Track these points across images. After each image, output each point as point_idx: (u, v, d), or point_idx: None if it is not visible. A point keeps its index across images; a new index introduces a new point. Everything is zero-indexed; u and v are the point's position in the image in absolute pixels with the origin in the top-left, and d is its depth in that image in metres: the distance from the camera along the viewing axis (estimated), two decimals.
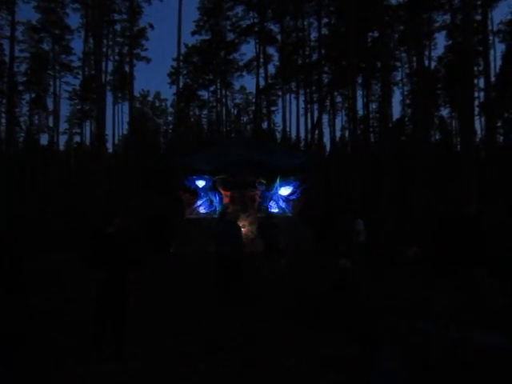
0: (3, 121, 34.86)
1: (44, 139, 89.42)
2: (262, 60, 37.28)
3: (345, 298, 6.12)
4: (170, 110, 58.57)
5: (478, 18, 26.14)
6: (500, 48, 62.44)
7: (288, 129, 45.07)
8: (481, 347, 4.42)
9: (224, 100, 46.21)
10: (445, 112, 43.13)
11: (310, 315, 6.07)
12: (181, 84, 37.42)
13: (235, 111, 55.39)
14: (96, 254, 4.55)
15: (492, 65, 31.89)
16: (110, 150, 47.07)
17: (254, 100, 44.41)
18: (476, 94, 33.17)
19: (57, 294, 7.90)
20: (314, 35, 38.24)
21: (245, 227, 13.63)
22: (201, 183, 16.01)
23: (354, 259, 9.12)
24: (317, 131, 35.14)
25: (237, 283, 7.50)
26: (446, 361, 4.07)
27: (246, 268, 7.95)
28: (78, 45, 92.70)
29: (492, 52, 34.00)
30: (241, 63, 42.52)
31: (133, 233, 10.63)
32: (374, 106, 43.12)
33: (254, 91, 40.19)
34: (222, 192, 15.66)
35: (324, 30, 35.55)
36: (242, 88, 55.73)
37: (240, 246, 7.75)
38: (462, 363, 4.07)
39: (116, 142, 50.83)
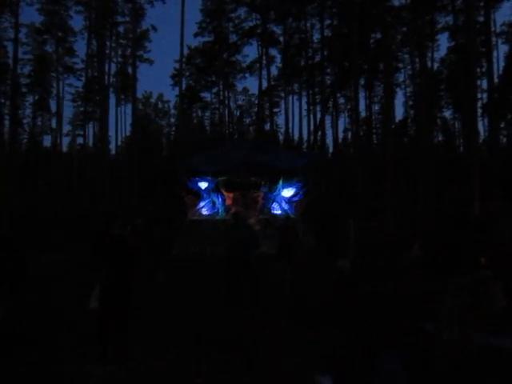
0: (7, 122, 34.98)
1: (47, 141, 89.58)
2: (264, 61, 37.34)
3: (344, 297, 6.11)
4: (173, 111, 58.77)
5: (481, 19, 26.08)
6: (503, 49, 62.45)
7: (291, 130, 45.16)
8: (483, 348, 4.41)
9: (226, 101, 46.30)
10: (448, 113, 43.09)
11: (311, 315, 6.06)
12: (183, 86, 37.53)
13: (238, 113, 55.44)
14: (100, 255, 4.56)
15: (495, 66, 31.87)
16: (113, 152, 47.20)
17: (256, 101, 44.54)
18: (479, 95, 33.09)
19: (58, 294, 7.91)
20: (316, 37, 38.34)
21: None
22: (203, 185, 16.02)
23: (351, 260, 9.11)
24: (319, 132, 35.16)
25: (248, 285, 7.43)
26: (447, 362, 4.06)
27: (258, 270, 7.85)
28: (81, 47, 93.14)
29: (495, 53, 34.01)
30: (243, 65, 42.61)
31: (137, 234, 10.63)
32: (376, 107, 43.13)
33: (257, 93, 40.31)
34: (225, 193, 15.67)
35: (327, 32, 35.62)
36: (245, 89, 55.84)
37: (255, 247, 7.64)
38: (463, 364, 4.06)
39: (119, 143, 51.00)
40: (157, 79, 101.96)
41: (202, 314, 6.55)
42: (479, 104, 32.44)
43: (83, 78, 40.16)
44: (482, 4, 25.11)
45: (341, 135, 46.53)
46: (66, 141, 56.16)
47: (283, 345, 5.11)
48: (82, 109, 43.66)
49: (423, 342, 4.73)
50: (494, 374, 4.07)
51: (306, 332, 5.50)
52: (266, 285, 8.51)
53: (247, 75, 43.78)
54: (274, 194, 15.75)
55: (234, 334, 5.56)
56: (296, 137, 45.97)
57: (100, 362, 4.39)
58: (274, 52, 40.50)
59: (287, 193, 15.90)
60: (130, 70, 38.47)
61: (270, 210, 15.75)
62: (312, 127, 37.68)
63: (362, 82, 36.52)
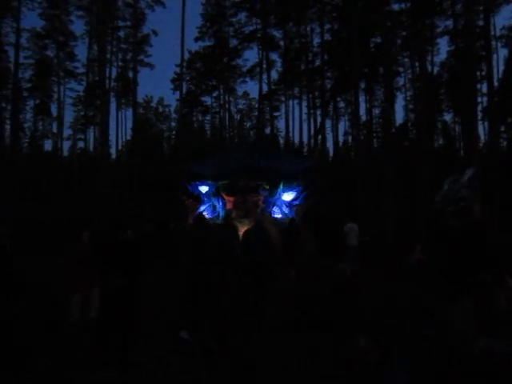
0: (8, 127, 35.07)
1: (48, 145, 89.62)
2: (264, 66, 37.39)
3: (347, 302, 6.09)
4: (174, 115, 58.80)
5: (481, 23, 26.14)
6: (503, 53, 62.50)
7: (291, 134, 45.22)
8: (486, 353, 4.40)
9: (227, 106, 46.35)
10: (448, 117, 43.10)
11: (314, 319, 6.04)
12: (184, 90, 37.61)
13: (238, 117, 55.49)
14: (106, 260, 4.55)
15: (495, 69, 31.89)
16: (114, 156, 47.24)
17: (256, 105, 44.58)
18: (479, 99, 33.11)
19: (58, 299, 7.89)
20: (316, 41, 38.46)
21: None
22: (204, 189, 16.02)
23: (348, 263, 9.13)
24: (320, 136, 35.17)
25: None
26: (450, 367, 4.05)
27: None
28: (82, 51, 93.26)
29: (495, 57, 34.04)
30: (244, 69, 42.66)
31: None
32: (376, 111, 43.14)
33: (257, 97, 40.35)
34: (225, 197, 15.65)
35: (327, 36, 35.66)
36: (245, 94, 55.84)
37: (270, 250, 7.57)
38: (465, 368, 4.05)
39: (120, 147, 51.03)
40: (157, 83, 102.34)
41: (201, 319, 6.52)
42: (479, 108, 32.49)
43: (84, 83, 40.31)
44: (481, 8, 25.19)
45: (341, 139, 46.64)
46: (66, 145, 56.33)
47: (285, 349, 5.09)
48: (82, 113, 43.78)
49: (425, 346, 4.72)
50: (495, 379, 4.05)
51: (309, 336, 5.48)
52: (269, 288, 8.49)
53: (247, 79, 43.85)
54: (275, 197, 15.73)
55: (236, 339, 5.54)
56: (296, 141, 46.04)
57: (100, 367, 4.38)
58: (274, 56, 40.63)
59: (287, 197, 15.88)
60: (130, 75, 38.61)
61: (271, 213, 15.73)
62: (312, 131, 37.72)
63: (363, 85, 36.58)
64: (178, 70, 39.16)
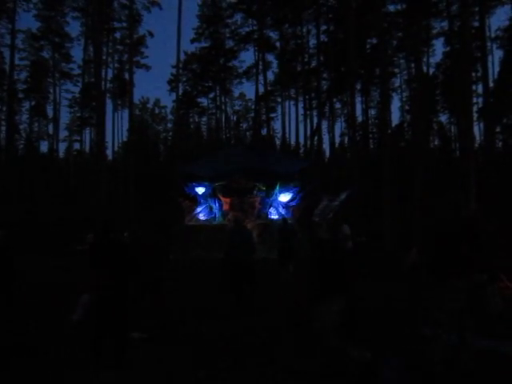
0: (3, 128, 35.04)
1: (44, 146, 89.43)
2: (261, 67, 37.44)
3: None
4: (170, 117, 58.71)
5: (476, 24, 26.28)
6: (498, 54, 62.77)
7: (287, 135, 45.26)
8: (481, 353, 4.41)
9: (223, 107, 46.40)
10: (444, 118, 43.30)
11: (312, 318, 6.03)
12: (180, 91, 37.59)
13: (234, 118, 55.55)
14: (98, 260, 4.54)
15: (490, 71, 32.05)
16: (110, 157, 47.16)
17: (253, 107, 44.58)
18: (474, 100, 33.28)
19: (55, 300, 7.87)
20: (312, 42, 38.54)
21: None
22: (200, 190, 16.02)
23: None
24: (316, 137, 35.24)
25: (246, 286, 7.45)
26: (446, 367, 4.06)
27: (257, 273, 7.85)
28: (77, 53, 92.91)
29: (490, 58, 34.21)
30: (240, 70, 42.79)
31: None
32: (372, 112, 43.31)
33: (254, 98, 40.40)
34: (222, 199, 15.66)
35: (323, 37, 35.79)
36: (242, 95, 55.93)
37: (253, 250, 7.70)
38: (462, 369, 4.06)
39: (116, 149, 50.96)
40: (154, 85, 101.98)
41: (200, 319, 6.52)
42: (475, 108, 32.64)
43: (80, 84, 40.33)
44: (476, 9, 25.32)
45: (337, 140, 46.61)
46: (62, 146, 56.24)
47: (284, 349, 5.09)
48: (78, 114, 43.74)
49: (422, 347, 4.73)
50: (492, 379, 4.06)
51: (307, 335, 5.47)
52: (268, 288, 8.50)
53: (244, 80, 44.06)
54: (271, 199, 15.75)
55: (235, 340, 5.53)
56: (293, 142, 46.12)
57: (98, 368, 4.36)
58: (270, 57, 40.75)
59: (284, 198, 15.91)
60: (126, 76, 38.59)
61: (267, 215, 15.74)
62: (309, 132, 37.82)
63: (359, 86, 36.67)
64: (174, 71, 39.13)
